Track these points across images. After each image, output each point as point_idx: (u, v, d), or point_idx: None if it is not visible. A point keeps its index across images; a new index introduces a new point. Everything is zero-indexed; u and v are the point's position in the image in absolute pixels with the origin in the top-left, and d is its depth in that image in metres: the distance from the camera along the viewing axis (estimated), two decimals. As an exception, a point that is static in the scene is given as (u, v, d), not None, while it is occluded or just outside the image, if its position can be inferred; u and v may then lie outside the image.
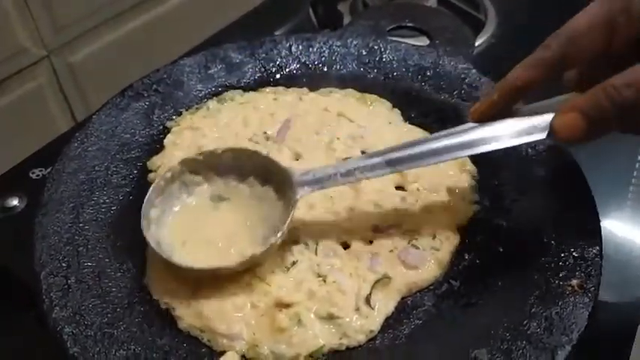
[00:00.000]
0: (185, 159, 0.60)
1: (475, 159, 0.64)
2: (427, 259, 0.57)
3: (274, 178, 0.59)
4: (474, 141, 0.55)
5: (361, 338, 0.52)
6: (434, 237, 0.58)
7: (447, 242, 0.58)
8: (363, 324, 0.53)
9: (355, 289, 0.55)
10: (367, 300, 0.54)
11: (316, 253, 0.57)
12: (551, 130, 0.50)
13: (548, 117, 0.51)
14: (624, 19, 0.50)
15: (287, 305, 0.53)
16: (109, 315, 0.53)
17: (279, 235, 0.55)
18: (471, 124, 0.56)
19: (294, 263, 0.56)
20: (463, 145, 0.55)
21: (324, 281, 0.55)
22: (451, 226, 0.59)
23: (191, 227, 0.58)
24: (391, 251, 0.58)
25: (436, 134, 0.58)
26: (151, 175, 0.65)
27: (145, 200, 0.57)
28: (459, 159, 0.63)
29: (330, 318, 0.53)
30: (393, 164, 0.56)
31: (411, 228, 0.59)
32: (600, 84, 0.47)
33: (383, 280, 0.55)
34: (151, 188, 0.58)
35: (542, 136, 0.52)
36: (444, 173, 0.64)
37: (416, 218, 0.60)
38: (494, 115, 0.54)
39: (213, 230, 0.58)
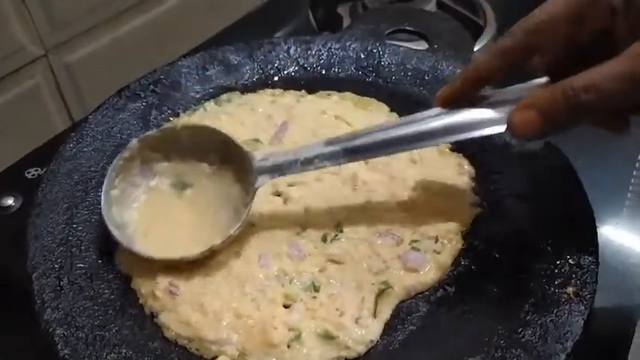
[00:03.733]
0: (144, 136, 0.59)
1: (472, 162, 0.64)
2: (428, 262, 0.56)
3: (233, 159, 0.58)
4: (436, 130, 0.54)
5: (361, 349, 0.51)
6: (436, 240, 0.58)
7: (450, 246, 0.58)
8: (364, 334, 0.52)
9: (356, 301, 0.53)
10: (373, 313, 0.53)
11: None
12: (509, 125, 0.50)
13: (509, 109, 0.50)
14: (592, 11, 0.49)
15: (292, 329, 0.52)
16: (100, 317, 0.53)
17: (237, 226, 0.55)
18: (435, 110, 0.55)
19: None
20: (427, 135, 0.55)
21: (317, 292, 0.54)
22: (455, 229, 0.59)
23: (155, 216, 0.58)
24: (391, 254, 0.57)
25: (399, 120, 0.57)
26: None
27: (105, 181, 0.57)
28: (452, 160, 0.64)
29: (328, 337, 0.51)
30: (353, 153, 0.56)
31: (412, 230, 0.59)
32: (559, 83, 0.47)
33: (386, 291, 0.54)
34: (110, 167, 0.57)
35: (503, 129, 0.52)
36: (441, 174, 0.63)
37: (416, 220, 0.59)
38: (458, 100, 0.54)
39: (176, 219, 0.58)
